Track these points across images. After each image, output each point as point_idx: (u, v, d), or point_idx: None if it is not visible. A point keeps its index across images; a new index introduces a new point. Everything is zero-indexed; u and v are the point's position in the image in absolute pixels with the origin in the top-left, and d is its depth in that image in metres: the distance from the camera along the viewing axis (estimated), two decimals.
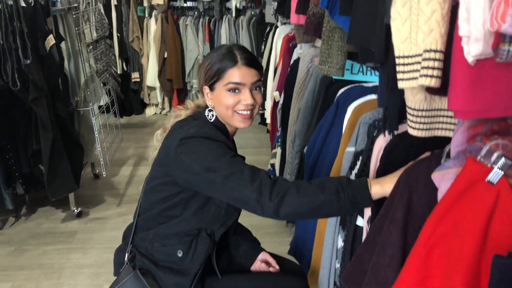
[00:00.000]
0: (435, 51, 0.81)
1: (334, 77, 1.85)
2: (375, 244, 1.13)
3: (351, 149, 1.50)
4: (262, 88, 1.38)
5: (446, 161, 0.96)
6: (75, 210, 2.78)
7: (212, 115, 1.37)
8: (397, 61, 0.90)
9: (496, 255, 0.73)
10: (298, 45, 2.60)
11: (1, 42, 2.18)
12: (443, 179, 0.92)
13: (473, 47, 0.73)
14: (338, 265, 1.59)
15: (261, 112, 4.24)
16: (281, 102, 2.68)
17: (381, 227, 1.11)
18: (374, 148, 1.36)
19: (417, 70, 0.85)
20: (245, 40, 4.60)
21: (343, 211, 1.19)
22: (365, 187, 1.12)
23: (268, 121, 3.55)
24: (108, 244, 2.50)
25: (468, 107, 0.80)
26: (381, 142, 1.33)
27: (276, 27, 3.60)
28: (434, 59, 0.81)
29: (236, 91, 1.30)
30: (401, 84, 0.90)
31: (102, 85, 3.38)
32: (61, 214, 2.83)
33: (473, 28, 0.72)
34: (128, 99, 4.90)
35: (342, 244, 1.56)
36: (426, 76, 0.82)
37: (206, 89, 1.35)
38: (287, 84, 2.53)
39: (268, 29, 4.02)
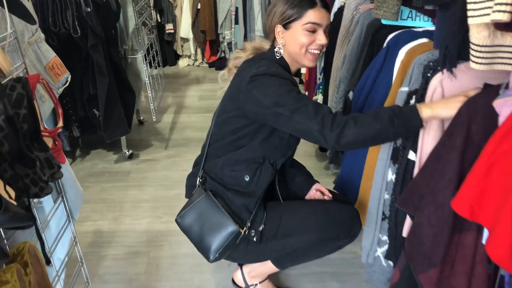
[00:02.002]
0: None
1: (384, 22, 1.94)
2: (432, 170, 1.27)
3: (404, 89, 1.61)
4: None
5: (507, 91, 1.08)
6: (127, 152, 2.98)
7: (280, 53, 1.49)
8: None
9: None
10: None
11: None
12: (505, 105, 1.05)
13: None
14: (387, 196, 1.74)
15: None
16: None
17: (440, 154, 1.25)
18: (429, 87, 1.48)
19: (490, 7, 0.96)
20: None
21: (399, 136, 1.33)
22: (416, 111, 1.25)
23: (304, 70, 3.66)
24: (161, 182, 2.70)
25: None
26: (437, 81, 1.45)
27: None
28: None
29: (313, 31, 1.42)
30: (471, 20, 1.02)
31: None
32: (114, 156, 3.04)
33: None
34: (162, 51, 5.01)
35: (393, 177, 1.70)
36: (500, 11, 0.93)
37: (279, 27, 1.47)
38: (330, 32, 2.62)
39: None
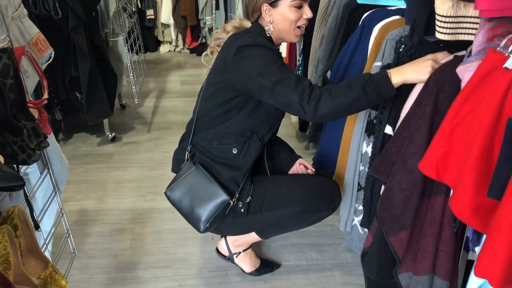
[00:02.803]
0: None
1: (359, 2, 2.01)
2: (404, 138, 1.34)
3: (378, 64, 1.69)
4: None
5: (469, 57, 1.16)
6: (110, 135, 3.01)
7: (270, 31, 1.55)
8: None
9: (510, 118, 0.94)
10: None
11: None
12: (466, 71, 1.13)
13: None
14: (362, 168, 1.82)
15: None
16: None
17: (410, 122, 1.32)
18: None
19: None
20: None
21: (372, 102, 1.37)
22: (387, 77, 1.32)
23: (284, 54, 3.71)
24: (145, 163, 2.74)
25: (491, 6, 0.99)
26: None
27: None
28: None
29: (300, 7, 1.50)
30: None
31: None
32: (96, 139, 3.06)
33: None
34: (143, 37, 5.00)
35: (367, 149, 1.78)
36: None
37: (266, 6, 1.52)
38: None
39: None
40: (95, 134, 3.10)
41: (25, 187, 1.12)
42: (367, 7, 1.95)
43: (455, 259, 1.33)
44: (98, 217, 2.24)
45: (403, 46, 1.60)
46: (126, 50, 2.99)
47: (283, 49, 3.72)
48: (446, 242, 1.30)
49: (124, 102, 3.58)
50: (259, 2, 1.53)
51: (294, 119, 3.18)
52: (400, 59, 1.55)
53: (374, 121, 1.72)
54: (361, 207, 1.84)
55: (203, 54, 1.74)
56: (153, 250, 2.01)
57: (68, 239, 1.72)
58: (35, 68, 1.36)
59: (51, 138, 1.41)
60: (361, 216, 1.84)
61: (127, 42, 3.06)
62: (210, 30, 4.93)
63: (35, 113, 1.28)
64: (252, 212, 1.60)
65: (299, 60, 2.95)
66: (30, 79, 1.46)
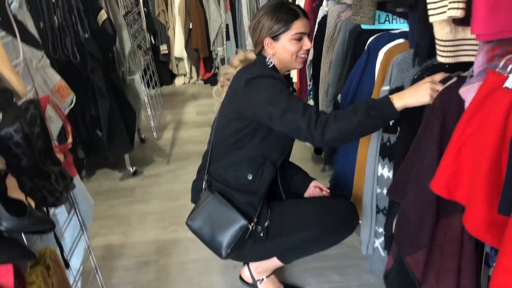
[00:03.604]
0: None
1: (363, 27, 2.07)
2: (415, 159, 1.38)
3: (386, 88, 1.74)
4: None
5: (470, 79, 1.20)
6: (131, 169, 3.09)
7: (272, 62, 1.63)
8: (428, 0, 1.13)
9: None
10: (324, 3, 2.80)
11: (60, 20, 2.44)
12: (469, 92, 1.17)
13: None
14: (379, 190, 1.84)
15: (286, 73, 4.47)
16: (310, 58, 2.90)
17: (420, 144, 1.36)
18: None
19: (445, 6, 1.09)
20: None
21: (376, 126, 1.44)
22: (389, 102, 1.37)
23: (295, 79, 3.78)
24: (166, 195, 2.81)
25: (487, 30, 1.03)
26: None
27: None
28: None
29: (300, 39, 1.58)
30: (432, 19, 1.14)
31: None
32: (118, 174, 3.15)
33: None
34: (158, 71, 5.15)
35: (383, 171, 1.81)
36: (453, 8, 1.05)
37: (268, 39, 1.60)
38: (316, 41, 2.75)
39: None
40: (117, 169, 3.19)
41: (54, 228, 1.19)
42: (371, 31, 2.00)
43: (477, 276, 1.34)
44: (123, 251, 2.30)
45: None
46: (143, 87, 3.10)
47: (294, 74, 3.81)
48: (467, 261, 1.31)
49: (143, 136, 3.68)
50: (261, 36, 1.62)
51: None
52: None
53: (387, 144, 1.76)
54: (381, 229, 1.86)
55: (214, 88, 1.82)
56: (178, 280, 2.05)
57: (96, 275, 1.78)
58: (58, 114, 1.45)
59: (76, 179, 1.48)
60: (382, 238, 1.86)
61: (143, 79, 3.17)
62: (222, 60, 5.05)
63: (60, 156, 1.36)
64: (271, 236, 1.64)
65: (309, 85, 3.01)
66: (55, 124, 1.54)
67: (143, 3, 4.80)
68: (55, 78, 1.65)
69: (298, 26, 1.58)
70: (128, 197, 2.83)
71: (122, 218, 2.60)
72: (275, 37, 1.59)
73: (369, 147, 1.84)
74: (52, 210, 1.43)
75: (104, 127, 2.71)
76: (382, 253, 1.90)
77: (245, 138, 1.62)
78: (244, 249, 1.65)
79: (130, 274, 2.11)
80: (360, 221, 1.90)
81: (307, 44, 1.61)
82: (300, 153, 3.14)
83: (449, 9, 1.07)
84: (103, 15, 2.56)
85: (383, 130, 1.75)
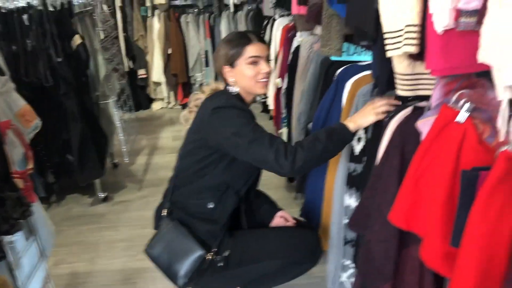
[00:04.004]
0: (414, 25, 1.08)
1: (333, 59, 2.11)
2: (376, 190, 1.39)
3: None
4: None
5: (427, 112, 1.22)
6: (102, 195, 3.04)
7: (234, 90, 1.64)
8: (385, 36, 1.16)
9: (463, 170, 1.00)
10: (298, 34, 2.86)
11: (33, 44, 2.44)
12: (425, 125, 1.19)
13: (440, 20, 0.99)
14: (346, 221, 1.84)
15: (262, 100, 4.51)
16: (284, 86, 2.94)
17: (381, 175, 1.37)
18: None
19: (400, 42, 1.12)
20: None
21: (338, 149, 1.58)
22: (345, 126, 1.50)
23: (272, 107, 3.82)
24: (135, 222, 2.76)
25: (440, 66, 1.06)
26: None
27: (274, 20, 3.85)
28: (413, 31, 1.08)
29: (255, 63, 1.59)
30: (388, 54, 1.17)
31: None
32: (89, 199, 3.10)
33: (440, 5, 0.98)
34: (136, 95, 5.14)
35: (350, 201, 1.82)
36: (408, 45, 1.09)
37: (227, 68, 1.62)
38: (289, 70, 2.80)
39: (265, 22, 4.27)
40: (88, 195, 3.14)
41: (11, 256, 1.16)
42: (341, 63, 2.04)
43: None
44: (89, 279, 2.25)
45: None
46: (116, 112, 3.08)
47: (270, 101, 3.84)
48: None
49: (116, 161, 3.64)
50: (219, 65, 1.66)
51: None
52: None
53: (353, 173, 1.78)
54: (348, 262, 1.84)
55: (182, 114, 1.82)
56: None
57: None
58: (19, 139, 1.43)
59: (36, 205, 1.45)
60: (350, 271, 1.83)
61: (117, 104, 3.16)
62: (201, 85, 5.07)
63: (20, 182, 1.33)
64: (231, 266, 1.62)
65: (284, 113, 3.04)
66: (17, 149, 1.52)
67: (122, 27, 4.84)
68: (20, 103, 1.64)
69: (252, 50, 1.60)
70: (97, 223, 2.78)
71: (90, 245, 2.55)
72: (232, 64, 1.62)
73: (336, 177, 1.85)
74: (8, 237, 1.39)
75: (75, 151, 2.69)
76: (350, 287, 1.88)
77: (208, 166, 1.62)
78: (203, 279, 1.62)
79: None
80: (326, 250, 1.89)
81: (264, 67, 1.61)
82: (274, 181, 3.14)
83: (404, 45, 1.10)
84: (77, 40, 2.56)
85: (349, 160, 1.76)
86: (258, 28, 4.75)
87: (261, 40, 1.65)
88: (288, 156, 1.45)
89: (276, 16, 3.78)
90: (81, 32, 3.01)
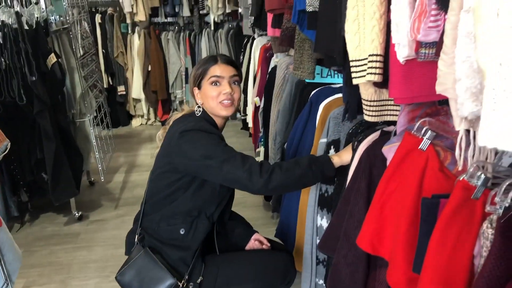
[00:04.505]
0: (376, 55, 1.11)
1: (307, 81, 2.14)
2: (344, 213, 1.41)
3: (323, 140, 1.79)
4: (240, 85, 1.69)
5: (393, 138, 1.25)
6: (76, 214, 3.00)
7: (200, 111, 1.65)
8: (350, 64, 1.19)
9: (424, 197, 1.02)
10: (275, 55, 2.89)
11: (7, 62, 2.42)
12: (390, 151, 1.21)
13: (402, 51, 1.02)
14: (318, 241, 1.86)
15: (242, 118, 4.53)
16: (261, 106, 2.96)
17: (349, 198, 1.39)
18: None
19: (365, 70, 1.14)
20: (224, 52, 4.88)
21: (316, 180, 1.57)
22: (329, 159, 1.52)
23: (250, 125, 3.83)
24: (110, 241, 2.72)
25: (403, 95, 1.09)
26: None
27: (253, 38, 3.89)
28: (376, 61, 1.11)
29: (217, 83, 1.61)
30: (354, 81, 1.20)
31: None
32: (63, 218, 3.05)
33: (401, 37, 1.00)
34: (115, 112, 5.12)
35: (322, 222, 1.83)
36: (371, 73, 1.11)
37: (196, 90, 1.66)
38: (266, 90, 2.82)
39: (245, 41, 4.30)
40: (62, 213, 3.09)
41: None
42: (315, 84, 2.07)
43: None
44: None
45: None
46: (92, 130, 3.06)
47: (249, 119, 3.86)
48: None
49: (93, 179, 3.60)
50: (190, 88, 1.69)
51: None
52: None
53: (325, 194, 1.79)
54: (321, 281, 1.86)
55: (158, 133, 1.81)
56: None
57: None
58: None
59: (3, 228, 1.43)
60: None
61: (94, 122, 3.14)
62: (181, 102, 5.07)
63: None
64: None
65: (261, 132, 3.06)
66: None
67: (102, 44, 4.83)
68: None
69: (215, 70, 1.62)
70: (71, 243, 2.74)
71: (63, 266, 2.50)
72: (199, 85, 1.65)
73: (309, 197, 1.87)
74: None
75: (48, 170, 2.65)
76: None
77: (178, 191, 1.61)
78: None
79: None
80: (300, 271, 1.90)
81: (225, 88, 1.61)
82: (251, 200, 3.14)
83: (368, 73, 1.12)
84: (52, 59, 2.55)
85: (321, 181, 1.78)
86: (238, 46, 4.80)
87: (229, 62, 1.66)
88: (263, 174, 1.47)
89: (255, 36, 3.82)
90: (58, 50, 3.01)
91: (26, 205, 2.99)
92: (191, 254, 1.61)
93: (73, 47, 3.07)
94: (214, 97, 1.61)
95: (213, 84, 1.61)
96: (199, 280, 1.60)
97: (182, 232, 1.60)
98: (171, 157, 1.58)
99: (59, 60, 2.70)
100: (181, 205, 1.61)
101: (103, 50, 4.85)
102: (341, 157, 1.52)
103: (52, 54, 2.57)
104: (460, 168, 0.96)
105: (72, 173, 2.80)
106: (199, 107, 1.66)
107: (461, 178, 0.92)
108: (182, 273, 1.58)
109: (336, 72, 2.09)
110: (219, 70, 1.61)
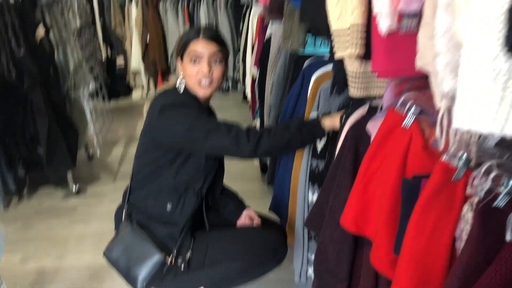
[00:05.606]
0: (358, 25, 1.04)
1: (300, 52, 2.07)
2: (330, 190, 1.37)
3: (314, 113, 1.73)
4: (223, 62, 1.59)
5: (378, 113, 1.19)
6: (74, 188, 3.00)
7: (183, 83, 1.58)
8: (332, 35, 1.12)
9: (404, 178, 0.97)
10: (269, 24, 2.80)
11: None
12: (374, 127, 1.16)
13: (384, 21, 0.95)
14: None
15: (243, 90, 4.46)
16: (257, 77, 2.89)
17: (334, 176, 1.35)
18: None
19: (347, 41, 1.08)
20: (223, 21, 4.77)
21: (306, 143, 1.61)
22: (319, 122, 1.50)
23: (249, 96, 3.77)
24: (108, 215, 2.69)
25: (386, 68, 1.03)
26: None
27: (251, 7, 3.78)
28: (358, 31, 1.04)
29: (197, 61, 1.53)
30: (336, 54, 1.13)
31: (89, 70, 3.56)
32: (61, 192, 3.05)
33: (382, 6, 0.94)
34: (115, 84, 5.07)
35: (313, 198, 1.80)
36: (353, 44, 1.05)
37: (179, 60, 1.59)
38: (261, 61, 2.74)
39: (244, 9, 4.19)
40: (60, 187, 3.09)
41: None
42: (310, 55, 2.00)
43: None
44: (56, 276, 2.21)
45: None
46: (86, 103, 3.02)
47: (248, 90, 3.79)
48: None
49: (91, 152, 3.58)
50: (175, 56, 1.62)
51: (256, 161, 3.20)
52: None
53: (316, 170, 1.75)
54: (313, 256, 1.83)
55: (145, 106, 1.75)
56: None
57: None
58: None
59: None
60: None
61: (90, 94, 3.10)
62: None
63: None
64: (193, 269, 1.59)
65: (258, 104, 3.00)
66: None
67: (99, 15, 4.74)
68: None
69: (196, 45, 1.52)
70: (68, 217, 2.75)
71: (59, 240, 2.51)
72: (181, 57, 1.58)
73: (300, 173, 1.83)
74: None
75: (43, 145, 2.63)
76: None
77: (163, 167, 1.58)
78: (164, 282, 1.59)
79: None
80: (292, 249, 1.88)
81: (203, 69, 1.52)
82: (248, 173, 3.12)
83: (349, 44, 1.06)
84: (40, 31, 2.48)
85: (312, 156, 1.74)
86: (237, 15, 4.68)
87: (213, 38, 1.54)
88: (251, 140, 1.45)
89: (253, 4, 3.71)
90: (49, 22, 2.93)
91: (23, 179, 2.98)
92: (179, 230, 1.58)
93: (66, 19, 2.99)
94: (192, 75, 1.54)
95: (192, 61, 1.54)
96: (187, 256, 1.58)
97: (169, 208, 1.58)
98: (153, 133, 1.54)
99: (49, 33, 2.63)
100: (167, 180, 1.58)
101: (101, 21, 4.76)
102: (333, 121, 1.49)
103: (40, 27, 2.51)
104: (441, 148, 0.91)
105: (67, 147, 2.78)
106: (183, 79, 1.60)
107: (442, 159, 0.87)
108: (170, 249, 1.57)
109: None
110: (199, 46, 1.52)
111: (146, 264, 1.53)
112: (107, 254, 1.59)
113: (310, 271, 1.89)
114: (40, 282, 2.18)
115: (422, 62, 0.84)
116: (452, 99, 0.81)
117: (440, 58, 0.76)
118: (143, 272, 1.53)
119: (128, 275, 1.55)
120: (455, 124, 0.68)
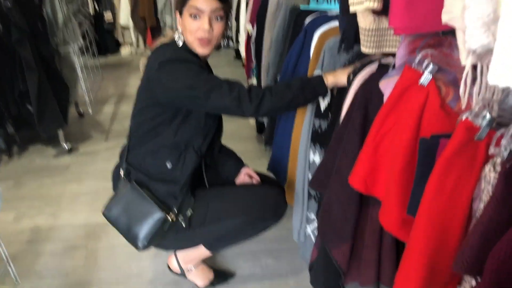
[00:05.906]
0: None
1: (302, 7, 2.00)
2: (337, 150, 1.35)
3: (318, 71, 1.69)
4: (224, 20, 1.51)
5: (391, 71, 1.16)
6: (66, 146, 2.95)
7: (181, 39, 1.51)
8: None
9: (422, 138, 0.95)
10: None
11: None
12: (388, 85, 1.13)
13: None
14: (311, 176, 1.82)
15: (235, 48, 4.36)
16: (254, 34, 2.81)
17: (342, 135, 1.32)
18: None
19: None
20: None
21: (309, 101, 1.57)
22: (322, 80, 1.46)
23: (243, 54, 3.68)
24: (101, 174, 2.69)
25: (404, 24, 0.99)
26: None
27: None
28: None
29: (197, 17, 1.45)
30: (351, 8, 1.09)
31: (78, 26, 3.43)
32: (52, 150, 3.00)
33: None
34: (103, 40, 4.93)
35: (314, 157, 1.78)
36: (370, 0, 1.00)
37: (178, 15, 1.51)
38: (259, 17, 2.66)
39: None
40: (51, 146, 3.04)
41: None
42: (312, 11, 1.94)
43: (398, 267, 1.34)
44: (51, 234, 2.20)
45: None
46: (76, 59, 2.93)
47: (242, 48, 3.70)
48: (387, 251, 1.30)
49: (81, 110, 3.51)
50: (174, 9, 1.53)
51: (252, 121, 3.17)
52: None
53: (319, 130, 1.72)
54: (313, 216, 1.84)
55: (141, 62, 1.68)
56: (106, 266, 1.98)
57: (9, 268, 1.68)
58: None
59: None
60: (315, 224, 1.83)
61: (80, 49, 2.99)
62: (171, 29, 4.87)
63: None
64: (195, 226, 1.58)
65: (254, 62, 2.93)
66: None
67: None
68: None
69: (197, 0, 1.43)
70: (60, 176, 2.71)
71: (53, 199, 2.49)
72: (180, 12, 1.49)
73: (301, 133, 1.80)
74: None
75: (33, 102, 2.55)
76: (314, 240, 1.88)
77: (162, 124, 1.54)
78: (165, 240, 1.59)
79: (55, 260, 2.02)
80: (291, 206, 1.88)
81: (204, 24, 1.44)
82: (244, 132, 3.09)
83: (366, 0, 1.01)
84: None
85: (314, 115, 1.71)
86: None
87: None
88: (253, 100, 1.41)
89: None
90: None
91: (13, 137, 2.91)
92: (179, 187, 1.56)
93: None
94: (191, 31, 1.47)
95: (192, 16, 1.45)
96: (188, 213, 1.57)
97: (169, 166, 1.55)
98: (151, 91, 1.48)
99: None
100: (166, 138, 1.54)
101: None
102: (336, 77, 1.45)
103: None
104: (463, 106, 0.89)
105: (58, 104, 2.71)
106: (181, 34, 1.53)
107: (464, 118, 0.84)
108: (171, 207, 1.55)
109: None
110: (201, 1, 1.43)
111: (147, 222, 1.51)
112: (106, 213, 1.57)
113: (309, 229, 1.90)
114: (35, 240, 2.16)
115: (448, 16, 0.80)
116: (479, 56, 0.78)
117: (470, 12, 0.73)
118: (144, 230, 1.51)
119: (129, 234, 1.54)
120: (490, 81, 0.65)
